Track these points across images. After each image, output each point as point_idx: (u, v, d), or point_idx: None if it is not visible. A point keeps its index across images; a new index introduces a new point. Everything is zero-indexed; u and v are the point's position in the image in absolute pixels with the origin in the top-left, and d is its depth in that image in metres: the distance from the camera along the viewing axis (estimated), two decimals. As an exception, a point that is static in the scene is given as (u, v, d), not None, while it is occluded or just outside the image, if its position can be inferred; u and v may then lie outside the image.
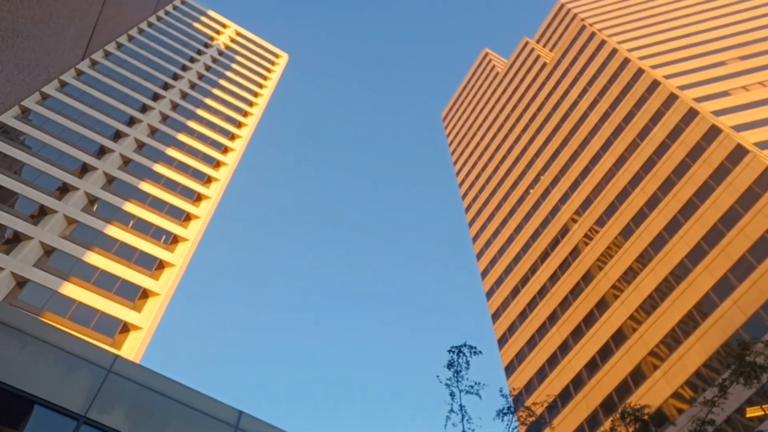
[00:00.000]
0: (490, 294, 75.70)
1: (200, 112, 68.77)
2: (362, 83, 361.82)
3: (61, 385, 14.68)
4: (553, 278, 65.02)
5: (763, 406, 37.95)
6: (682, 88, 64.00)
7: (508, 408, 19.88)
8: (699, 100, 61.10)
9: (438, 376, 21.13)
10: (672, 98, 60.30)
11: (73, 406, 14.29)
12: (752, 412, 38.63)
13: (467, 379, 20.45)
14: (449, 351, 20.50)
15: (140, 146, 58.38)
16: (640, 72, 67.18)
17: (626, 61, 70.58)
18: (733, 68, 66.27)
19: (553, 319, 61.98)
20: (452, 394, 20.05)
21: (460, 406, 19.89)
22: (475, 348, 20.50)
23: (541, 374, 59.78)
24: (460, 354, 20.45)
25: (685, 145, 55.68)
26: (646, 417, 19.64)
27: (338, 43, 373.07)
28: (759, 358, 23.80)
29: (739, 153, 49.89)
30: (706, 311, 45.64)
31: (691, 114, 56.93)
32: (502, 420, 19.70)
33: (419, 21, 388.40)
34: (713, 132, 53.47)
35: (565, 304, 61.40)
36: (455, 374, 20.27)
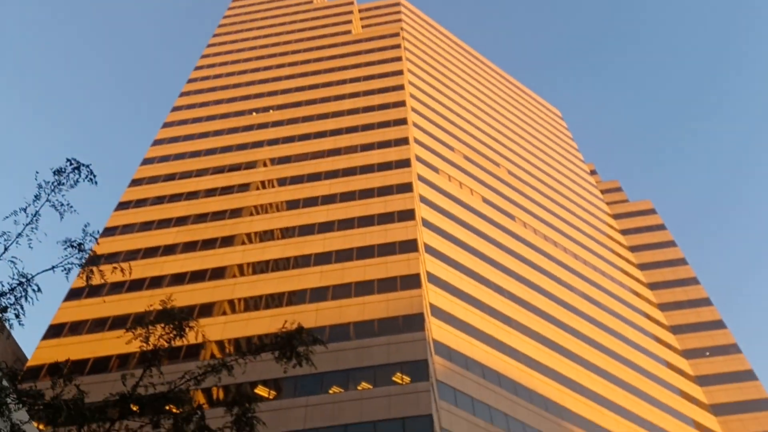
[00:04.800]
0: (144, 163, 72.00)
1: None
2: None
3: None
4: (210, 193, 64.86)
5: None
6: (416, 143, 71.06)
7: (80, 245, 18.57)
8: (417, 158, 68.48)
9: (37, 173, 18.76)
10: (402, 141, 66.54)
11: None
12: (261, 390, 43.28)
13: (63, 196, 18.62)
14: (68, 160, 18.55)
15: None
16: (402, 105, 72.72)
17: (402, 103, 75.82)
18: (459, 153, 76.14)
19: (181, 222, 61.49)
20: (38, 197, 18.07)
21: (36, 212, 18.00)
22: (96, 177, 18.89)
23: (130, 256, 58.45)
24: (78, 170, 18.65)
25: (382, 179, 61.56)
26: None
27: None
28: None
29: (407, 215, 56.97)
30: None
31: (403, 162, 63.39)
32: (65, 249, 18.34)
33: None
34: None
35: (201, 218, 61.54)
36: (57, 183, 18.33)
